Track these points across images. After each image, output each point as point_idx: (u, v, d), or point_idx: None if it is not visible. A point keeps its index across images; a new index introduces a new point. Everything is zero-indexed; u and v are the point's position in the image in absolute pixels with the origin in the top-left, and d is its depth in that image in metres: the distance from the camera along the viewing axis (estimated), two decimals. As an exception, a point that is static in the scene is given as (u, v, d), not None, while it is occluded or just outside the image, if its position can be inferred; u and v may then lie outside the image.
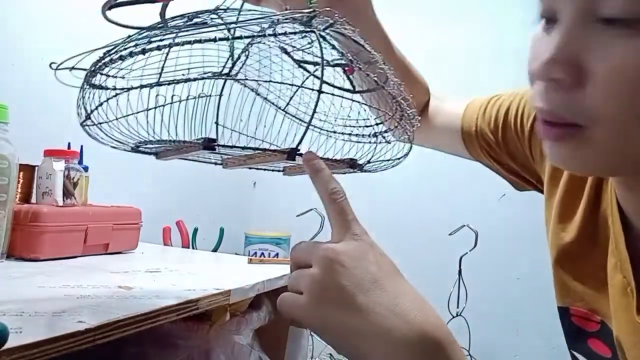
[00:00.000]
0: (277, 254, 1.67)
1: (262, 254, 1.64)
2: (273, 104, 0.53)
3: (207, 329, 0.79)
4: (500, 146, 0.59)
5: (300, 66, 0.52)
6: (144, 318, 0.49)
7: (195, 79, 0.41)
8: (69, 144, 0.95)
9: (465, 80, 1.75)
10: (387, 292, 0.37)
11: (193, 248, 1.34)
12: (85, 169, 0.94)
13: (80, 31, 1.20)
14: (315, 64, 0.51)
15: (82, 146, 0.97)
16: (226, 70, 0.46)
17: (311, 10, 0.42)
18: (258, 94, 0.52)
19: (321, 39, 0.43)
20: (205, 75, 0.44)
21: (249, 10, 0.46)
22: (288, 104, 0.53)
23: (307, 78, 0.52)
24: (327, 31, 0.44)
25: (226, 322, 0.80)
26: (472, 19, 1.73)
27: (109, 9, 0.51)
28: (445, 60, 1.74)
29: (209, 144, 0.42)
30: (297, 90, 0.53)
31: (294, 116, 0.54)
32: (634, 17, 0.30)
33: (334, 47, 0.47)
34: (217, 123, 0.49)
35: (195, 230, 1.36)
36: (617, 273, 0.42)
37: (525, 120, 0.56)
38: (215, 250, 1.40)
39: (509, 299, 1.62)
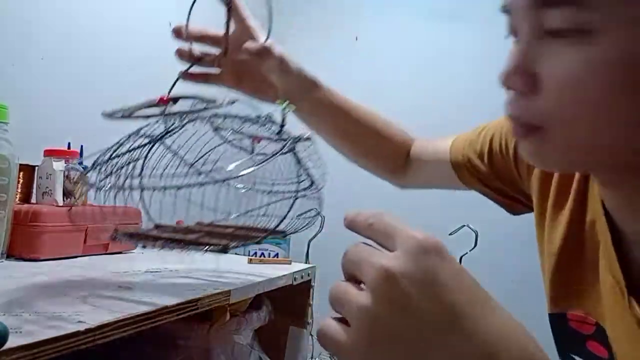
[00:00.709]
0: (277, 254, 1.67)
1: (262, 254, 1.64)
2: (188, 163, 0.63)
3: (207, 329, 0.79)
4: (489, 171, 0.63)
5: (216, 130, 0.60)
6: (144, 318, 0.49)
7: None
8: (69, 144, 0.95)
9: (465, 82, 1.75)
10: (471, 334, 0.27)
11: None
12: (85, 169, 0.94)
13: (80, 31, 1.20)
14: (230, 130, 0.61)
15: (82, 146, 0.97)
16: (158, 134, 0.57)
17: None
18: (176, 154, 0.62)
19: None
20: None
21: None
22: (194, 162, 0.62)
23: (222, 143, 0.61)
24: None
25: (226, 322, 0.81)
26: (473, 21, 1.73)
27: (109, 116, 0.61)
28: (446, 62, 1.74)
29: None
30: (209, 152, 0.63)
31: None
32: (574, 27, 0.33)
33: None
34: (142, 189, 0.56)
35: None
36: (607, 274, 0.42)
37: (510, 142, 0.59)
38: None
39: (509, 299, 1.62)
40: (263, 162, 0.53)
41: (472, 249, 1.51)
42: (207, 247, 0.53)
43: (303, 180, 0.64)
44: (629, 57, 0.32)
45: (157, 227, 0.71)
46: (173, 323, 0.55)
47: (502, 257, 1.68)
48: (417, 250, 0.29)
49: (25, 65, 1.07)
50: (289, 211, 0.64)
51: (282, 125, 0.59)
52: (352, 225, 0.34)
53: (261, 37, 0.65)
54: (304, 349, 0.99)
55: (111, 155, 0.55)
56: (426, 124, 1.87)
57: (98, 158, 0.56)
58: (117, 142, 0.56)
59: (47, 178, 0.86)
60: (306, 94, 0.69)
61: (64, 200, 0.85)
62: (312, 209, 0.68)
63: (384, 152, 0.77)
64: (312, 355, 1.67)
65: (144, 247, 0.55)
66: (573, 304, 0.47)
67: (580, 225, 0.47)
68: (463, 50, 1.74)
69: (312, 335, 1.16)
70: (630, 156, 0.36)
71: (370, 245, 0.31)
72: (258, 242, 0.61)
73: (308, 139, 0.60)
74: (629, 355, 0.40)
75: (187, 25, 0.67)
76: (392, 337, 0.28)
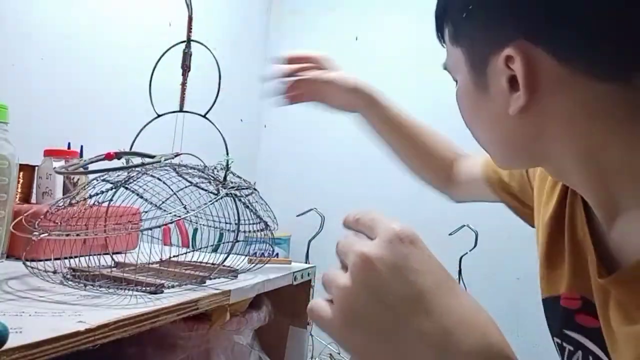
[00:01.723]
0: (277, 254, 1.67)
1: (262, 254, 1.64)
2: (152, 203, 0.74)
3: (207, 329, 0.79)
4: (515, 185, 0.69)
5: (180, 176, 0.72)
6: (144, 318, 0.49)
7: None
8: (69, 144, 0.95)
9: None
10: (434, 315, 0.31)
11: (193, 248, 1.34)
12: (86, 168, 0.94)
13: (80, 31, 1.20)
14: (192, 175, 0.74)
15: (82, 146, 0.97)
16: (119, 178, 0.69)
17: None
18: (141, 197, 0.73)
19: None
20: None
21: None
22: (163, 202, 0.74)
23: (186, 186, 0.73)
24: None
25: (226, 322, 0.80)
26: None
27: (63, 173, 0.73)
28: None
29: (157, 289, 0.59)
30: (173, 194, 0.75)
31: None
32: (454, 78, 0.50)
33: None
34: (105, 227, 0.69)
35: (195, 230, 1.36)
36: (587, 251, 0.47)
37: None
38: (215, 250, 1.40)
39: (509, 299, 1.62)
40: (201, 206, 0.65)
41: (472, 249, 1.51)
42: (142, 287, 0.59)
43: (258, 223, 0.75)
44: (463, 89, 0.48)
45: (117, 264, 0.75)
46: (173, 323, 0.55)
47: (502, 257, 1.68)
48: (392, 238, 0.33)
49: (25, 65, 1.07)
50: (230, 250, 0.74)
51: (225, 174, 0.71)
52: (344, 223, 0.38)
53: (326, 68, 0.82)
54: (304, 349, 0.99)
55: (70, 200, 0.65)
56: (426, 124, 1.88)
57: (57, 202, 0.65)
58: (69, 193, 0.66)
59: (47, 178, 0.86)
60: (363, 109, 0.82)
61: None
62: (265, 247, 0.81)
63: (430, 167, 0.84)
64: (312, 355, 1.67)
65: (84, 287, 0.60)
66: (562, 284, 0.51)
67: (562, 212, 0.52)
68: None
69: (312, 335, 1.16)
70: (520, 148, 0.45)
71: (357, 237, 0.36)
72: (201, 283, 0.67)
73: (248, 188, 0.72)
74: (605, 328, 0.44)
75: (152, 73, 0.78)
76: (365, 314, 0.32)
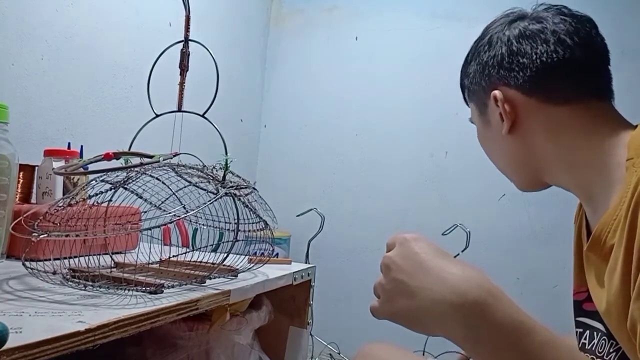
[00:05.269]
0: (277, 254, 1.67)
1: (262, 253, 1.64)
2: (152, 203, 0.75)
3: (207, 329, 0.79)
4: None
5: (179, 175, 0.73)
6: (144, 318, 0.49)
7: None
8: (69, 144, 0.95)
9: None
10: (432, 271, 0.45)
11: (193, 248, 1.34)
12: (85, 168, 0.94)
13: (80, 31, 1.20)
14: (191, 175, 0.75)
15: (82, 146, 0.97)
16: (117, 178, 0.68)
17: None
18: (141, 197, 0.74)
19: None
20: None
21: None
22: (162, 202, 0.76)
23: (186, 186, 0.75)
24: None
25: (226, 322, 0.81)
26: (472, 21, 1.73)
27: (65, 172, 0.74)
28: (445, 62, 1.73)
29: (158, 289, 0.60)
30: (172, 194, 0.76)
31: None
32: (473, 122, 0.68)
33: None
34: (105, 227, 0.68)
35: (195, 230, 1.36)
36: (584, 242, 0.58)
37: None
38: (215, 250, 1.40)
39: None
40: (200, 206, 0.67)
41: (464, 249, 1.52)
42: (142, 287, 0.60)
43: (257, 222, 0.77)
44: (479, 131, 0.66)
45: (117, 265, 0.75)
46: (173, 323, 0.55)
47: (502, 257, 1.68)
48: (402, 241, 0.48)
49: (25, 65, 1.07)
50: (230, 249, 0.76)
51: (224, 174, 0.73)
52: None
53: None
54: (304, 349, 0.99)
55: (70, 201, 0.67)
56: (425, 124, 1.88)
57: (57, 203, 0.66)
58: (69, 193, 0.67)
59: (47, 178, 0.86)
60: None
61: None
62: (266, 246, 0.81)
63: None
64: (312, 355, 1.67)
65: (84, 287, 0.60)
66: (576, 283, 0.63)
67: (577, 229, 0.64)
68: (462, 51, 1.74)
69: (312, 335, 1.15)
70: (522, 164, 0.61)
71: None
72: (201, 282, 0.67)
73: (247, 187, 0.74)
74: (595, 293, 0.56)
75: (151, 73, 0.79)
76: (395, 290, 0.46)
